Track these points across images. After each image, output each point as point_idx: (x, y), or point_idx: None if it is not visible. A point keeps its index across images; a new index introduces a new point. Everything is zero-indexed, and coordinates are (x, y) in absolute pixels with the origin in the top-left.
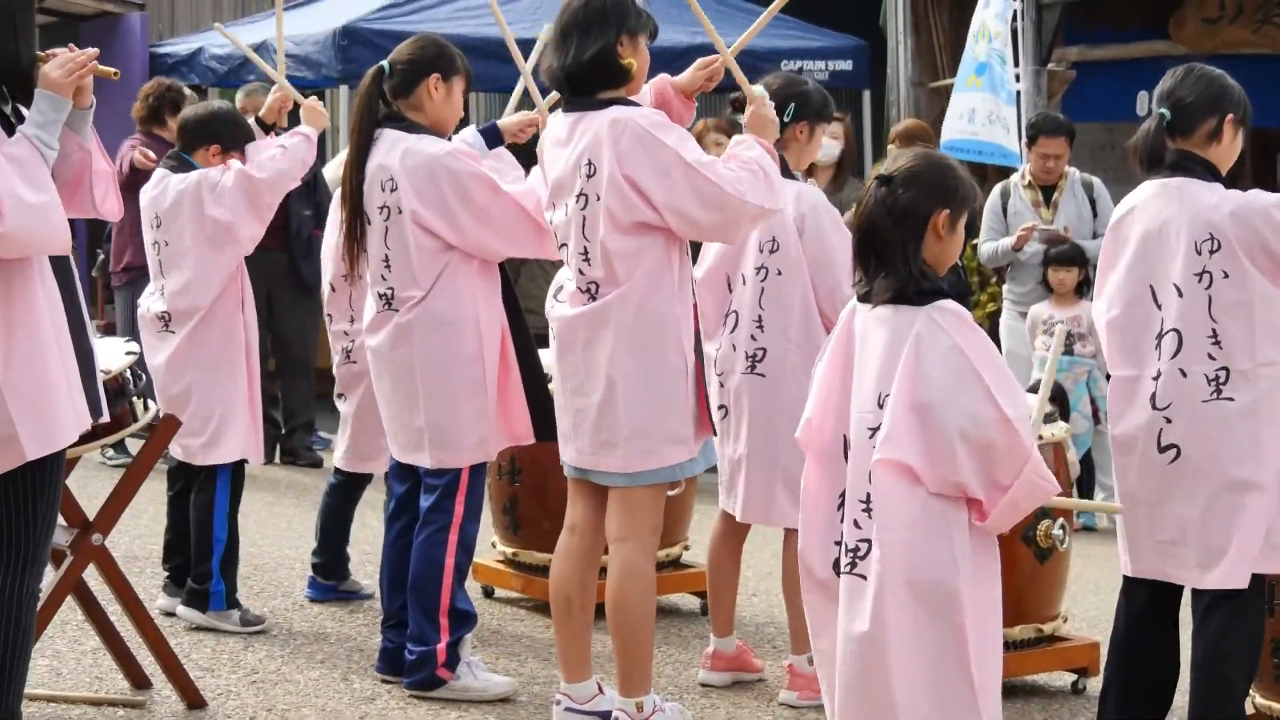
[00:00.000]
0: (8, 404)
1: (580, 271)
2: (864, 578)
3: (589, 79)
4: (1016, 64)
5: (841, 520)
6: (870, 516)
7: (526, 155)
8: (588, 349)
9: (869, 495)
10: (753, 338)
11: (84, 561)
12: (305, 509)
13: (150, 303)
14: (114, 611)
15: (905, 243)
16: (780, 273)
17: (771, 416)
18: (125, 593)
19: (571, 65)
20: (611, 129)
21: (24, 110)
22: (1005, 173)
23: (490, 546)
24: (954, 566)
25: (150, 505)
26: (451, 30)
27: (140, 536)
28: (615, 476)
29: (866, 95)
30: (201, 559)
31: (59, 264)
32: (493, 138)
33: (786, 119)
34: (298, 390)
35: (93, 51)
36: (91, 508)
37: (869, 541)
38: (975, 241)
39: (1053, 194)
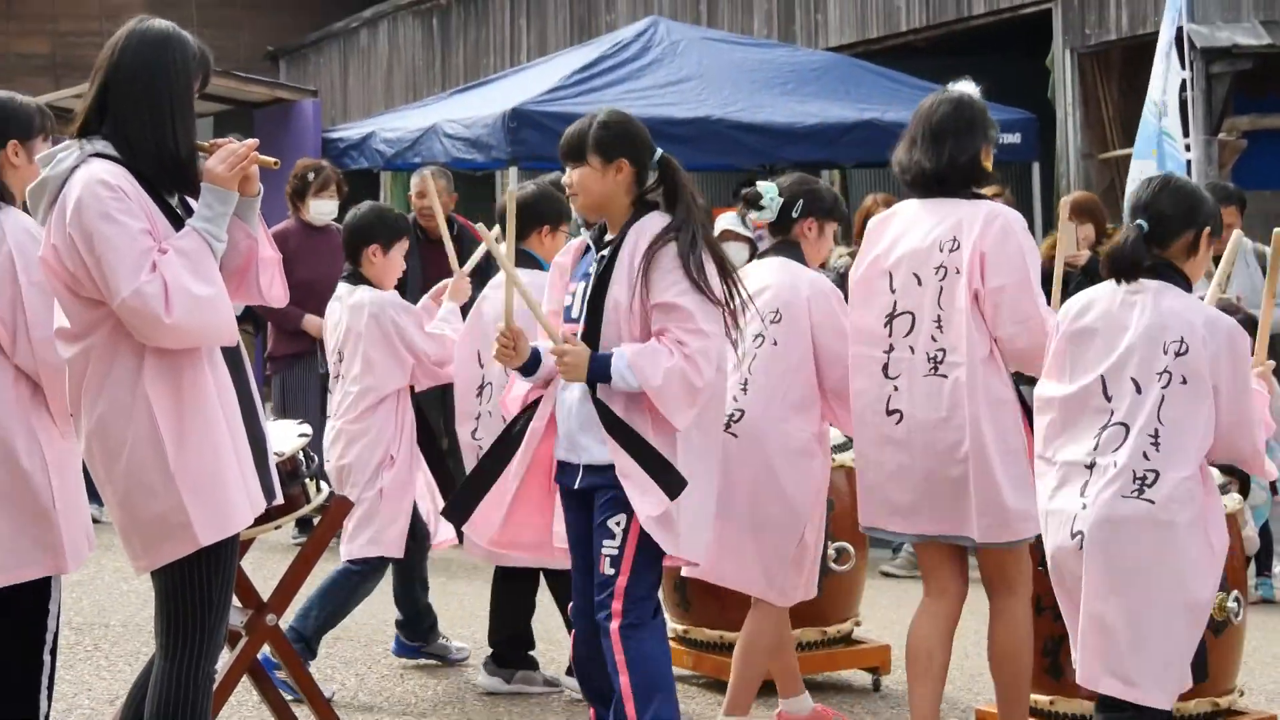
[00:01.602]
0: (180, 492)
1: (932, 338)
2: None
3: (956, 180)
4: (1186, 134)
5: None
6: None
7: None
8: (941, 428)
9: None
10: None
11: (259, 642)
12: (479, 587)
13: None
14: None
15: None
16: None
17: None
18: (299, 673)
19: (943, 168)
20: (987, 215)
21: (190, 201)
22: None
23: None
24: None
25: None
26: None
27: None
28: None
29: (1036, 168)
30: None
31: (229, 350)
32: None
33: (795, 215)
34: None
35: (253, 142)
36: (266, 588)
37: None
38: None
39: None
